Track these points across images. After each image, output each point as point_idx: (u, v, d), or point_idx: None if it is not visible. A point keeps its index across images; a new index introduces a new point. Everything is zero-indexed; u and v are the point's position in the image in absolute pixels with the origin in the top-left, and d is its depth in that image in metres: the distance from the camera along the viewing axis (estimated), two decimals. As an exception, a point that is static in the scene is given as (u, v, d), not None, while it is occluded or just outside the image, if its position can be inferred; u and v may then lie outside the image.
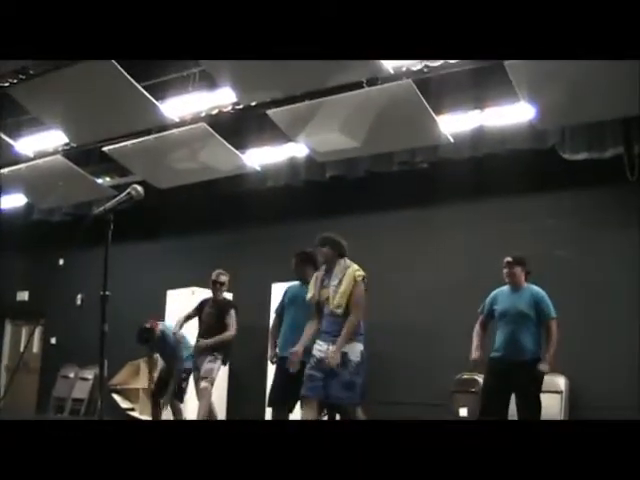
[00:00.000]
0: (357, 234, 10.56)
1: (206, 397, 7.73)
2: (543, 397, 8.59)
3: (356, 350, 5.68)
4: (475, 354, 6.37)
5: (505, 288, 6.40)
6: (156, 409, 8.47)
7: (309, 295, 6.03)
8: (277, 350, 6.84)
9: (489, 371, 6.36)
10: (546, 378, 8.64)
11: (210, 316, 7.98)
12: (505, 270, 6.34)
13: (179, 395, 8.42)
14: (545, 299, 6.15)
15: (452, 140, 8.07)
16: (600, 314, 8.45)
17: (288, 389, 6.27)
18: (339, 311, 5.68)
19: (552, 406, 8.46)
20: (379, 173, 9.42)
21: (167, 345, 8.52)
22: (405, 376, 9.51)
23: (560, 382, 8.59)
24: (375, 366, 8.65)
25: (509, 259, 6.36)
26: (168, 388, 8.34)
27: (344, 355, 5.62)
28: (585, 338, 8.47)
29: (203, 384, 7.75)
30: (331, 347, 5.62)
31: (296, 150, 9.65)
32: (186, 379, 8.38)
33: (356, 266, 5.84)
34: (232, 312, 7.89)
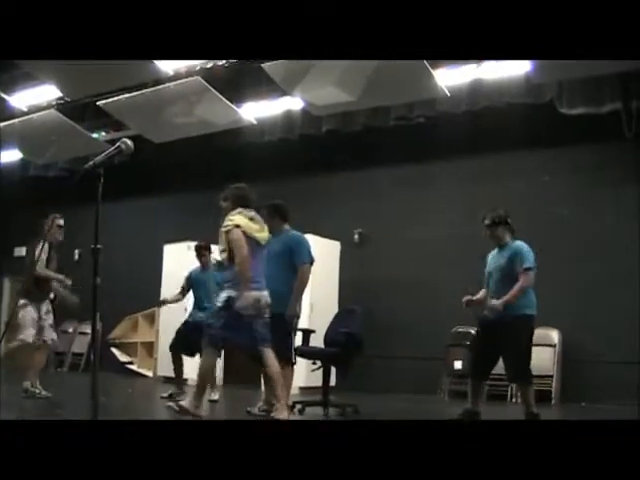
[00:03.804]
0: (353, 188, 10.60)
1: None
2: (536, 350, 8.72)
3: (220, 296, 5.75)
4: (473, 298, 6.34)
5: (495, 250, 6.33)
6: (178, 364, 8.10)
7: None
8: None
9: (480, 326, 6.40)
10: (539, 331, 8.77)
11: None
12: (486, 233, 6.19)
13: None
14: (521, 252, 6.01)
15: (449, 94, 8.02)
16: (595, 269, 8.49)
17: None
18: (225, 261, 5.74)
19: (545, 359, 8.57)
20: (376, 127, 9.38)
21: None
22: (402, 330, 9.58)
23: (553, 335, 8.69)
24: (373, 320, 8.76)
25: (487, 222, 6.15)
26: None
27: None
28: (579, 293, 8.53)
29: None
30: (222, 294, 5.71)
31: (292, 104, 9.59)
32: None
33: (234, 217, 5.71)
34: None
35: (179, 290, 8.34)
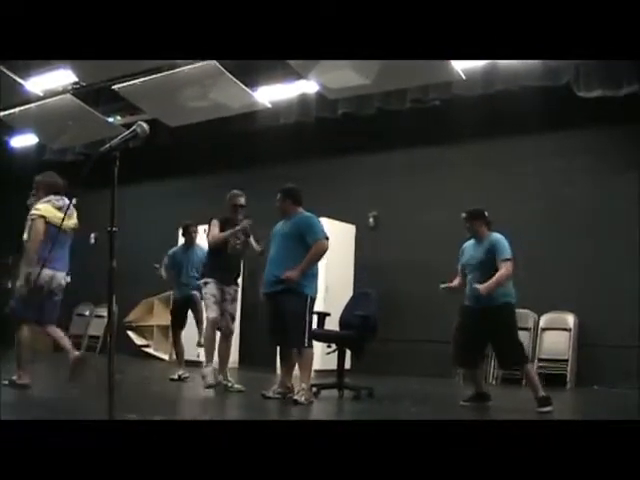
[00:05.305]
0: (368, 172, 10.58)
1: None
2: (552, 334, 8.73)
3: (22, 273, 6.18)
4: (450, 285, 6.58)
5: (472, 240, 6.51)
6: (178, 343, 8.48)
7: None
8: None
9: (461, 314, 6.56)
10: (555, 315, 8.77)
11: None
12: (465, 225, 6.43)
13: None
14: (498, 244, 6.20)
15: (464, 77, 7.97)
16: (610, 253, 8.45)
17: (279, 326, 6.28)
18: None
19: (561, 342, 8.56)
20: (391, 110, 9.34)
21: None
22: (417, 313, 9.58)
23: (569, 319, 8.66)
24: (389, 304, 8.77)
25: (464, 215, 6.42)
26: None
27: None
28: (595, 276, 8.49)
29: None
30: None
31: (307, 87, 9.56)
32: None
33: (41, 206, 6.16)
34: None
35: (162, 269, 8.82)
